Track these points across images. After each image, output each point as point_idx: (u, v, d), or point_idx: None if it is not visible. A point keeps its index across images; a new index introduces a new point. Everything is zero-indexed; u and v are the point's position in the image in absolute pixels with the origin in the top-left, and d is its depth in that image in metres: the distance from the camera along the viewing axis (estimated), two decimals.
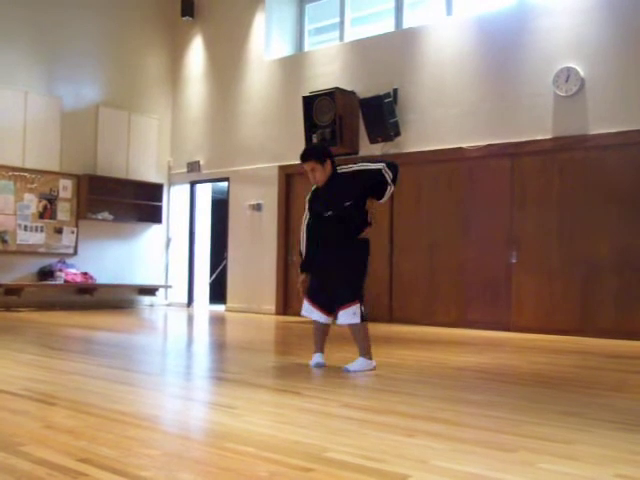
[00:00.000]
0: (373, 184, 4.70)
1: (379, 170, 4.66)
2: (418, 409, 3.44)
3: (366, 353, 4.72)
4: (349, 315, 4.63)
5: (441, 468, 2.38)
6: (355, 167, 4.79)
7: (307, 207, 4.89)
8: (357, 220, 4.76)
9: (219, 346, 7.10)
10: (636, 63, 7.57)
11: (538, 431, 2.96)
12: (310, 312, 4.80)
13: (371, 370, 4.66)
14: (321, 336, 4.87)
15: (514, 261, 8.30)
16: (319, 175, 4.71)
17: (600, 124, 7.74)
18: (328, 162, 4.74)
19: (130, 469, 2.31)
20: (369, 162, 4.85)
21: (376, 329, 8.39)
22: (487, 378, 4.66)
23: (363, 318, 4.67)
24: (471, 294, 8.65)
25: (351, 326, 4.71)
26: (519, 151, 8.31)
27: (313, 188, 4.87)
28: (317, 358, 4.83)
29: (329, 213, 4.74)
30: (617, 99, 7.68)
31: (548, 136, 8.12)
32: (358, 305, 4.64)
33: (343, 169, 4.79)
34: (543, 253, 8.13)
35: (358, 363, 4.67)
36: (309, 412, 3.33)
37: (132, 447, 2.60)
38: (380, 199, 4.77)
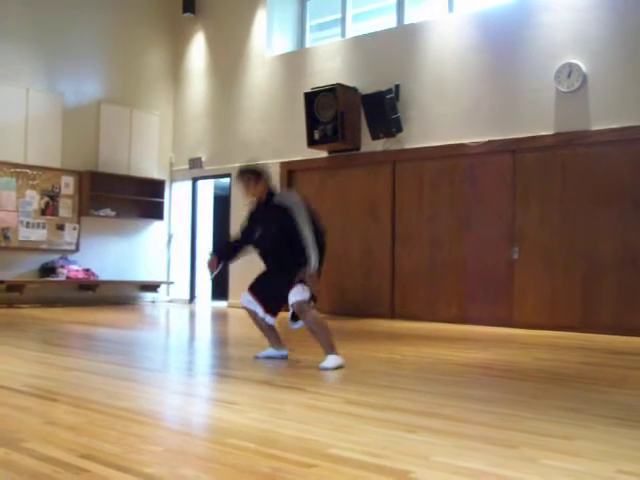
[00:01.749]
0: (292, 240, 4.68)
1: (305, 246, 4.61)
2: (420, 405, 3.44)
3: (332, 349, 4.65)
4: (298, 292, 4.64)
5: (443, 464, 2.38)
6: (289, 203, 4.76)
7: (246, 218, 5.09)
8: (284, 253, 4.76)
9: (221, 342, 7.11)
10: (638, 58, 7.55)
11: (540, 427, 2.96)
12: (250, 303, 4.92)
13: (340, 366, 4.59)
14: (266, 331, 4.99)
15: (516, 257, 8.30)
16: (251, 189, 4.93)
17: (602, 120, 7.72)
18: (262, 181, 4.93)
19: (132, 465, 2.31)
20: (306, 213, 4.72)
21: (378, 325, 8.42)
22: (489, 374, 4.66)
23: (313, 298, 4.69)
24: (473, 290, 8.64)
25: (299, 304, 4.65)
26: (521, 147, 8.30)
27: (249, 207, 5.09)
28: (265, 352, 5.00)
29: (258, 235, 4.89)
30: (619, 95, 7.66)
31: (550, 132, 8.10)
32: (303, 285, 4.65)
33: (277, 199, 4.86)
34: (545, 249, 8.12)
35: (329, 361, 4.59)
36: (311, 408, 3.34)
37: (134, 443, 2.61)
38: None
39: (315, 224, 4.70)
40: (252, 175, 4.95)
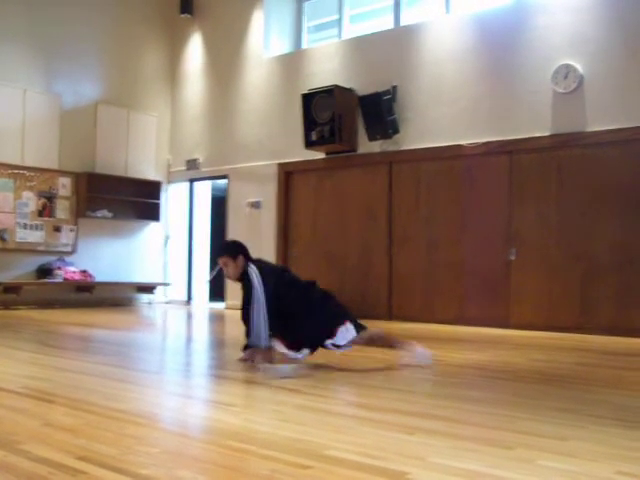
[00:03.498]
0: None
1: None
2: (417, 406, 3.44)
3: (401, 345, 4.82)
4: (343, 336, 4.68)
5: (440, 465, 2.38)
6: (250, 283, 4.68)
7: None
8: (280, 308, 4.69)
9: (218, 344, 7.10)
10: (635, 60, 7.57)
11: (536, 428, 2.96)
12: (297, 355, 4.77)
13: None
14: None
15: (513, 258, 8.31)
16: (231, 270, 4.77)
17: (599, 121, 7.74)
18: (240, 257, 4.77)
19: (129, 467, 2.31)
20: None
21: (375, 327, 8.40)
22: (486, 375, 4.67)
23: (358, 329, 4.75)
24: (470, 291, 8.65)
25: (364, 340, 4.80)
26: (517, 148, 8.31)
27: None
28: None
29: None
30: (616, 96, 7.68)
31: (547, 133, 8.12)
32: (345, 324, 4.72)
33: (248, 275, 4.70)
34: (542, 250, 8.13)
35: (421, 354, 4.76)
36: (308, 410, 3.34)
37: (131, 445, 2.61)
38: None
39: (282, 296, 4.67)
40: (228, 258, 4.77)
